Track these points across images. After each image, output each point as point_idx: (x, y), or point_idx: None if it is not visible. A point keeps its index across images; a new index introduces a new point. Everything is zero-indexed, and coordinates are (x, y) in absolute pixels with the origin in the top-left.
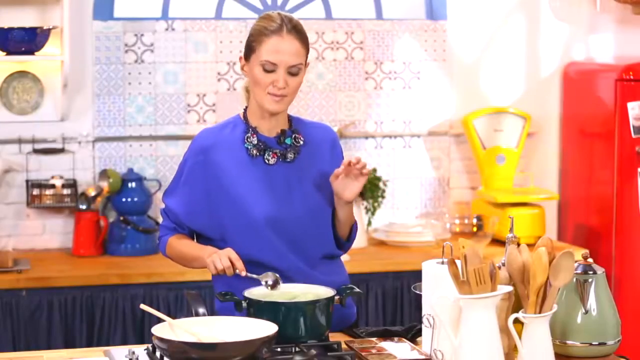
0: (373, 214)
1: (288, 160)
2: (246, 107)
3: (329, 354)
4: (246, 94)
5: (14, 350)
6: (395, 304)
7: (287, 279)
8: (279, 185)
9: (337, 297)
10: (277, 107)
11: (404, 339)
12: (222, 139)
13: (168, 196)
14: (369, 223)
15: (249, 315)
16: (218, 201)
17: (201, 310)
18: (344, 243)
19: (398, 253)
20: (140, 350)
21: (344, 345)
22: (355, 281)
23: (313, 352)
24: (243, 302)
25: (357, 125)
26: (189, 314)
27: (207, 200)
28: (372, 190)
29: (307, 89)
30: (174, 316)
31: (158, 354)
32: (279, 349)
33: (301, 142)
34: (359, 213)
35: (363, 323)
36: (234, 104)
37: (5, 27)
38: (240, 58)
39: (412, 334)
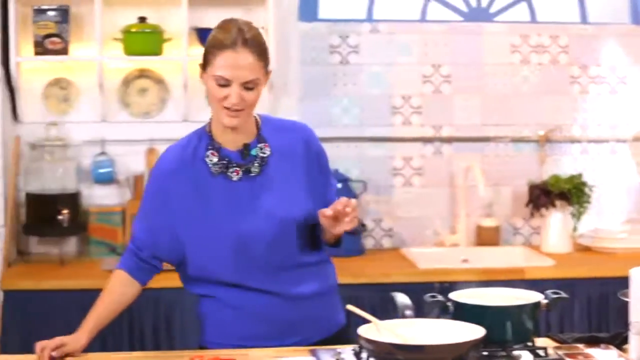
0: (579, 219)
1: (252, 174)
2: (211, 117)
3: (535, 359)
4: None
5: None
6: (600, 311)
7: (257, 296)
8: (243, 202)
9: (544, 302)
10: (233, 122)
11: (611, 346)
12: (185, 160)
13: (135, 219)
14: (575, 228)
15: (454, 317)
16: (181, 225)
17: (407, 312)
18: (328, 248)
19: (604, 259)
20: (347, 350)
21: (550, 351)
22: (561, 286)
23: (521, 356)
24: (449, 304)
25: (563, 130)
26: (395, 315)
27: (169, 226)
28: (577, 195)
29: (511, 93)
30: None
31: (364, 355)
32: (486, 353)
33: (267, 153)
34: (565, 218)
35: (568, 328)
36: (440, 106)
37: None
38: (200, 65)
39: (619, 342)
